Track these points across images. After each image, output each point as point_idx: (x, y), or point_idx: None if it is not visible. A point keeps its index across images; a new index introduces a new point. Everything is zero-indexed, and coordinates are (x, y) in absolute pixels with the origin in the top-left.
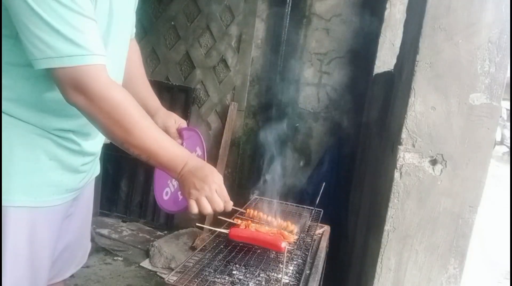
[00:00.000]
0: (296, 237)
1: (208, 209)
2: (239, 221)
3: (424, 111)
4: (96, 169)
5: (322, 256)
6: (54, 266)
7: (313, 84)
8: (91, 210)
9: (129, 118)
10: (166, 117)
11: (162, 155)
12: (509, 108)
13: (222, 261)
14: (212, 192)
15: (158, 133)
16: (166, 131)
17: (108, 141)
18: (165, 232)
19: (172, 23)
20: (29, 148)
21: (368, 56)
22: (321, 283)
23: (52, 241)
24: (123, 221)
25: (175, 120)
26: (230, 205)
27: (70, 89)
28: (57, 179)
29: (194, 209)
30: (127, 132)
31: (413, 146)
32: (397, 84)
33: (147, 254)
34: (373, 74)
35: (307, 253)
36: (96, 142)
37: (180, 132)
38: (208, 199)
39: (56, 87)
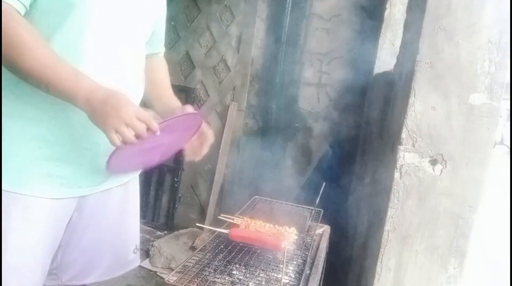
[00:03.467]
0: (296, 237)
1: (130, 137)
2: (239, 221)
3: (424, 111)
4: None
5: (322, 256)
6: (72, 266)
7: (313, 84)
8: (131, 219)
9: (21, 41)
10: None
11: (59, 82)
12: (509, 108)
13: (222, 261)
14: (131, 118)
15: (57, 61)
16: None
17: None
18: (165, 232)
19: (172, 23)
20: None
21: (368, 56)
22: (321, 283)
23: (50, 237)
24: None
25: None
26: (154, 124)
27: None
28: (50, 170)
29: (116, 140)
30: (18, 55)
31: (413, 146)
32: (397, 84)
33: (147, 254)
34: (373, 74)
35: (307, 253)
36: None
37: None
38: (129, 126)
39: None
